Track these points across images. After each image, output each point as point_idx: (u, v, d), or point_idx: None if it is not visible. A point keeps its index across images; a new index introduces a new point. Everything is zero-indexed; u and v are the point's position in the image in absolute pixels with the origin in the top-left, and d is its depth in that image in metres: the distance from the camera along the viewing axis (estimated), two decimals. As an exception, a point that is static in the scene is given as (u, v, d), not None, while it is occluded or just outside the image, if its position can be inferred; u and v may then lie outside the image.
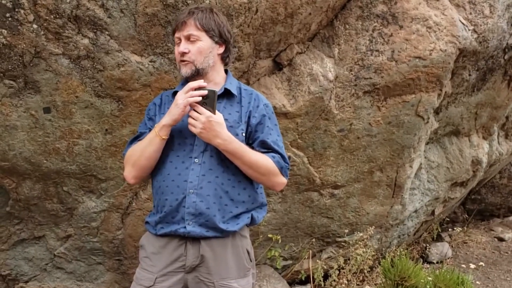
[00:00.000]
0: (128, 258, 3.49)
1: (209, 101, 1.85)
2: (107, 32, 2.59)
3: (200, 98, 1.85)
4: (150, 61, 2.73)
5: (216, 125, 1.85)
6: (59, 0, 2.46)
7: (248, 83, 3.04)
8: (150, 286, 1.96)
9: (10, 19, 2.47)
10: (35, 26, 2.51)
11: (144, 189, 3.26)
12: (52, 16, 2.50)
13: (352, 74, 3.23)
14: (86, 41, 2.60)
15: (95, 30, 2.58)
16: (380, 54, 3.20)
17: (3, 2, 2.43)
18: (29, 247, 3.46)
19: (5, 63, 2.59)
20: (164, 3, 2.55)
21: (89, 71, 2.70)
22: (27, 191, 3.13)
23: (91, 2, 2.49)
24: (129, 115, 2.90)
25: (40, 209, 3.25)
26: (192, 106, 1.85)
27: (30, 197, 3.16)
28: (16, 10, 2.45)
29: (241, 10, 2.66)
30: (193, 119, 1.85)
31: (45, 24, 2.51)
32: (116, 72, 2.71)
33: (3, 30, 2.49)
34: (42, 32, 2.54)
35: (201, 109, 1.84)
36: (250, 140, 2.00)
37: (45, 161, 2.97)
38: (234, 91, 2.03)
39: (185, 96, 1.86)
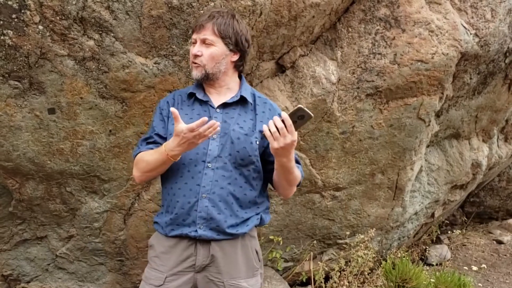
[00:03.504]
0: (130, 258, 3.50)
1: (301, 122, 1.76)
2: (112, 34, 2.61)
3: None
4: (155, 63, 2.74)
5: (293, 148, 1.81)
6: (65, 1, 2.47)
7: (251, 85, 3.04)
8: (160, 285, 1.97)
9: (16, 20, 2.48)
10: (40, 27, 2.52)
11: (146, 190, 3.27)
12: (58, 18, 2.51)
13: (354, 76, 3.24)
14: (91, 42, 2.61)
15: (100, 32, 2.59)
16: (383, 57, 3.22)
17: (9, 3, 2.44)
18: (31, 248, 3.47)
19: (11, 64, 2.59)
20: (169, 5, 2.57)
21: (94, 72, 2.71)
22: (30, 191, 3.14)
23: (97, 4, 2.51)
24: (133, 116, 2.92)
25: (43, 210, 3.26)
26: (285, 120, 1.73)
27: (33, 197, 3.17)
28: (22, 11, 2.46)
29: (245, 13, 2.68)
30: (279, 133, 1.74)
31: (50, 25, 2.52)
32: (121, 74, 2.72)
33: (9, 31, 2.50)
34: (47, 33, 2.54)
35: (291, 129, 1.74)
36: (268, 149, 1.95)
37: (48, 162, 2.98)
38: (249, 98, 2.04)
39: (197, 138, 1.81)
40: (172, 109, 1.83)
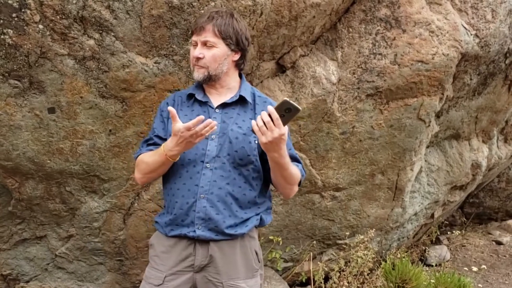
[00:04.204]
0: (129, 258, 3.50)
1: (288, 115, 1.74)
2: (112, 33, 2.60)
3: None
4: (155, 63, 2.74)
5: (282, 143, 1.79)
6: (66, 1, 2.47)
7: (251, 85, 3.05)
8: (159, 285, 1.97)
9: (16, 19, 2.47)
10: (41, 26, 2.52)
11: (146, 190, 3.27)
12: (58, 17, 2.50)
13: (355, 77, 3.24)
14: (91, 42, 2.61)
15: (100, 31, 2.59)
16: (383, 58, 3.22)
17: (10, 2, 2.43)
18: (30, 247, 3.46)
19: (11, 63, 2.59)
20: (170, 5, 2.56)
21: (94, 72, 2.71)
22: (29, 191, 3.14)
23: (97, 3, 2.50)
24: (133, 116, 2.91)
25: (43, 209, 3.25)
26: (271, 114, 1.73)
27: (32, 197, 3.16)
28: (23, 10, 2.46)
29: (246, 13, 2.68)
30: (266, 126, 1.74)
31: (51, 24, 2.52)
32: (121, 73, 2.72)
33: (9, 30, 2.49)
34: (48, 33, 2.54)
35: (278, 122, 1.73)
36: None
37: (48, 161, 2.98)
38: (249, 98, 2.04)
39: (194, 137, 1.81)
40: (170, 108, 1.83)
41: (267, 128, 1.74)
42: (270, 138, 1.75)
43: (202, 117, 1.79)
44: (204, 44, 1.95)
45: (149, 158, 1.98)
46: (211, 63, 1.95)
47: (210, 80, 1.99)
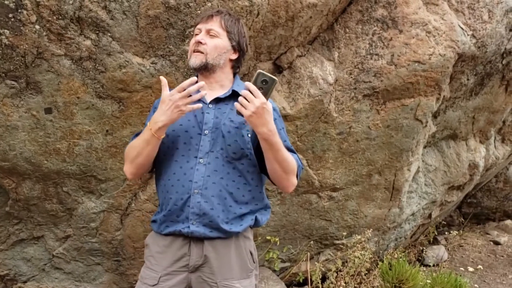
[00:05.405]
0: (126, 258, 3.50)
1: (266, 87, 1.78)
2: (109, 34, 2.61)
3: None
4: (152, 63, 2.74)
5: (267, 114, 1.79)
6: (62, 1, 2.48)
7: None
8: (154, 285, 1.96)
9: (12, 19, 2.47)
10: (37, 27, 2.52)
11: (143, 190, 3.27)
12: (54, 17, 2.51)
13: (351, 77, 3.25)
14: (88, 42, 2.61)
15: (97, 32, 2.59)
16: (380, 58, 3.22)
17: (6, 2, 2.44)
18: (27, 247, 3.46)
19: (7, 64, 2.59)
20: (166, 5, 2.57)
21: (90, 72, 2.71)
22: (27, 191, 3.14)
23: (94, 3, 2.51)
24: (130, 116, 2.91)
25: (40, 210, 3.25)
26: (248, 87, 1.76)
27: (29, 197, 3.16)
28: (19, 10, 2.46)
29: (243, 13, 2.68)
30: (246, 100, 1.76)
31: (47, 25, 2.52)
32: (118, 74, 2.72)
33: (6, 31, 2.49)
34: (44, 33, 2.54)
35: (257, 92, 1.76)
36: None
37: (45, 162, 2.98)
38: None
39: (184, 101, 1.81)
40: (161, 77, 1.86)
41: (248, 101, 1.76)
42: (253, 108, 1.76)
43: (195, 78, 1.81)
44: (208, 32, 1.98)
45: (135, 141, 1.97)
46: (212, 50, 1.97)
47: (206, 70, 1.99)
